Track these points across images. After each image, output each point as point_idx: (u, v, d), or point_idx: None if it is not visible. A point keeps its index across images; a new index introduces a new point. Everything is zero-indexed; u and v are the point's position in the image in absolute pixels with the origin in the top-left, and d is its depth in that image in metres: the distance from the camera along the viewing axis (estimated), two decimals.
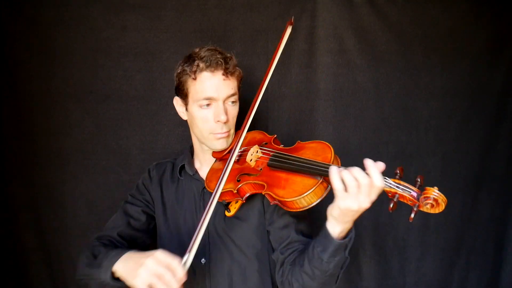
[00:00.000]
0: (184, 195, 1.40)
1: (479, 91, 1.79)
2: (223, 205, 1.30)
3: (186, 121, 1.39)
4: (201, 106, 1.28)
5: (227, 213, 1.29)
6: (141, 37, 1.69)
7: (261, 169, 1.23)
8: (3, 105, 1.70)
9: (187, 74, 1.27)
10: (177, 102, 1.38)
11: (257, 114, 1.73)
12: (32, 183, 1.74)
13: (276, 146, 1.32)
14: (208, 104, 1.27)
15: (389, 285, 1.83)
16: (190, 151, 1.46)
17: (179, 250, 1.36)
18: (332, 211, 1.04)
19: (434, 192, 0.93)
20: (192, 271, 1.29)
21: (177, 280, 1.00)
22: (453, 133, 1.80)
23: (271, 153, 1.23)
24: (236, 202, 1.27)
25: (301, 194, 1.08)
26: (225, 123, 1.28)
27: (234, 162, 1.30)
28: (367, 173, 0.96)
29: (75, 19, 1.68)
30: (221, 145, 1.33)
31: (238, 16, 1.70)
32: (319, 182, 1.08)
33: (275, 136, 1.38)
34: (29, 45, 1.68)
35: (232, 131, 1.34)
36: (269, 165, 1.21)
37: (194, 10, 1.69)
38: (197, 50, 1.29)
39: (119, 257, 1.12)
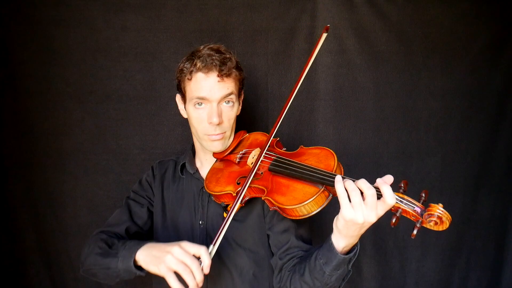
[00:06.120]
0: (184, 194, 1.40)
1: (479, 91, 1.79)
2: (222, 207, 1.30)
3: (186, 120, 1.39)
4: (195, 106, 1.27)
5: (225, 215, 1.27)
6: (141, 37, 1.69)
7: (262, 173, 1.21)
8: (3, 105, 1.70)
9: (184, 73, 1.27)
10: (178, 99, 1.38)
11: (256, 114, 1.74)
12: (32, 183, 1.74)
13: (279, 150, 1.30)
14: (202, 104, 1.27)
15: (389, 285, 1.83)
16: (191, 150, 1.46)
17: None
18: (337, 223, 1.01)
19: (438, 210, 0.90)
20: None
21: (203, 269, 1.01)
22: (453, 133, 1.80)
23: (273, 158, 1.21)
24: None
25: (301, 202, 1.05)
26: (218, 124, 1.26)
27: (234, 164, 1.29)
28: (375, 187, 0.94)
29: (75, 19, 1.68)
30: (215, 147, 1.32)
31: (238, 16, 1.70)
32: (321, 190, 1.05)
33: (278, 139, 1.35)
34: (29, 45, 1.68)
35: (228, 133, 1.32)
36: (270, 169, 1.19)
37: (194, 10, 1.69)
38: (200, 47, 1.28)
39: (141, 246, 1.12)
